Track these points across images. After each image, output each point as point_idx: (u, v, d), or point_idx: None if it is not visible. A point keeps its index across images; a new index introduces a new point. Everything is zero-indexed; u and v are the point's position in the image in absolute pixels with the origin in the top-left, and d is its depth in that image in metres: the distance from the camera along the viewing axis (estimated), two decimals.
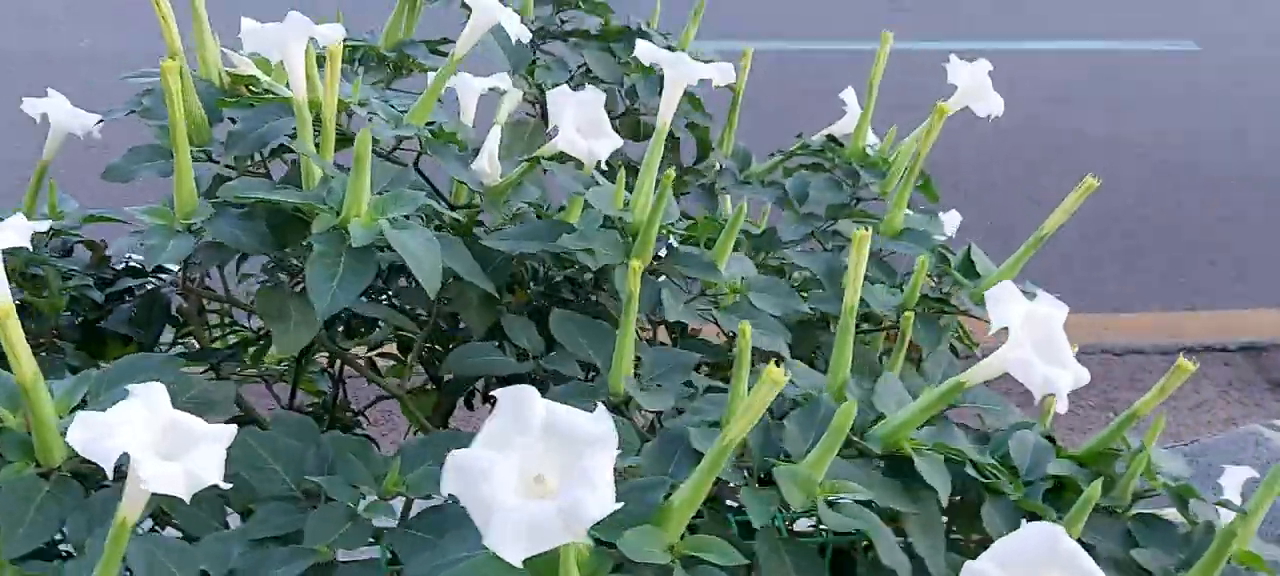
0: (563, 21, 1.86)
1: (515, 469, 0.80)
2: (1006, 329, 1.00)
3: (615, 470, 0.97)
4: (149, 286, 1.65)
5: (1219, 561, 1.07)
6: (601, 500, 0.78)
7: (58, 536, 1.04)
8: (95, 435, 0.85)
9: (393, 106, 1.44)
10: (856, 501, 1.02)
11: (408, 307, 1.56)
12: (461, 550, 0.95)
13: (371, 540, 1.08)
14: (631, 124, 1.86)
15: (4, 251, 1.07)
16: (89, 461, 0.85)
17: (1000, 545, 0.91)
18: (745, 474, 1.04)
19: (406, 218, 1.21)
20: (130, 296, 1.63)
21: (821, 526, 1.00)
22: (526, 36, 1.48)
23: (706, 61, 1.80)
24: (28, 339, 1.39)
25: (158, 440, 0.88)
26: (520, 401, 0.81)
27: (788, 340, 1.26)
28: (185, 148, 1.24)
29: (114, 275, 1.66)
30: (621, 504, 0.79)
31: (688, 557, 0.94)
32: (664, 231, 1.30)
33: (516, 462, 0.80)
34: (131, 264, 1.67)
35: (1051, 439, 1.27)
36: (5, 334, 0.96)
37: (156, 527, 1.15)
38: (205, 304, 1.67)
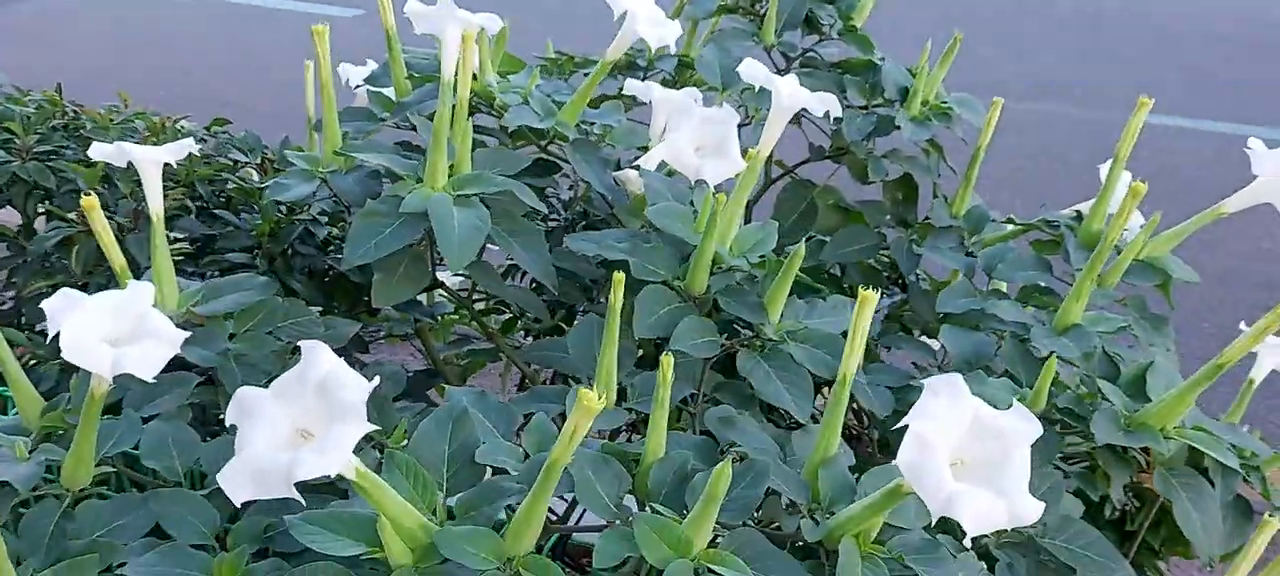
0: (806, 50, 1.79)
1: (288, 417, 0.83)
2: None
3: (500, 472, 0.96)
4: None
5: None
6: (321, 464, 0.78)
7: None
8: (63, 306, 1.01)
9: (554, 102, 1.49)
10: None
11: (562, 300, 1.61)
12: None
13: None
14: (859, 166, 1.74)
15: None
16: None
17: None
18: (630, 516, 0.95)
19: (475, 197, 1.26)
20: None
21: None
22: (673, 45, 1.46)
23: (945, 107, 1.66)
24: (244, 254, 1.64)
25: (121, 327, 1.03)
26: (311, 356, 0.84)
27: (811, 402, 1.13)
28: (333, 108, 1.41)
29: None
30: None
31: (517, 573, 0.89)
32: (720, 261, 1.21)
33: (291, 412, 0.83)
34: None
35: None
36: (92, 221, 1.17)
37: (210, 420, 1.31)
38: None
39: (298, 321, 1.35)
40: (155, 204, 1.32)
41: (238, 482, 0.79)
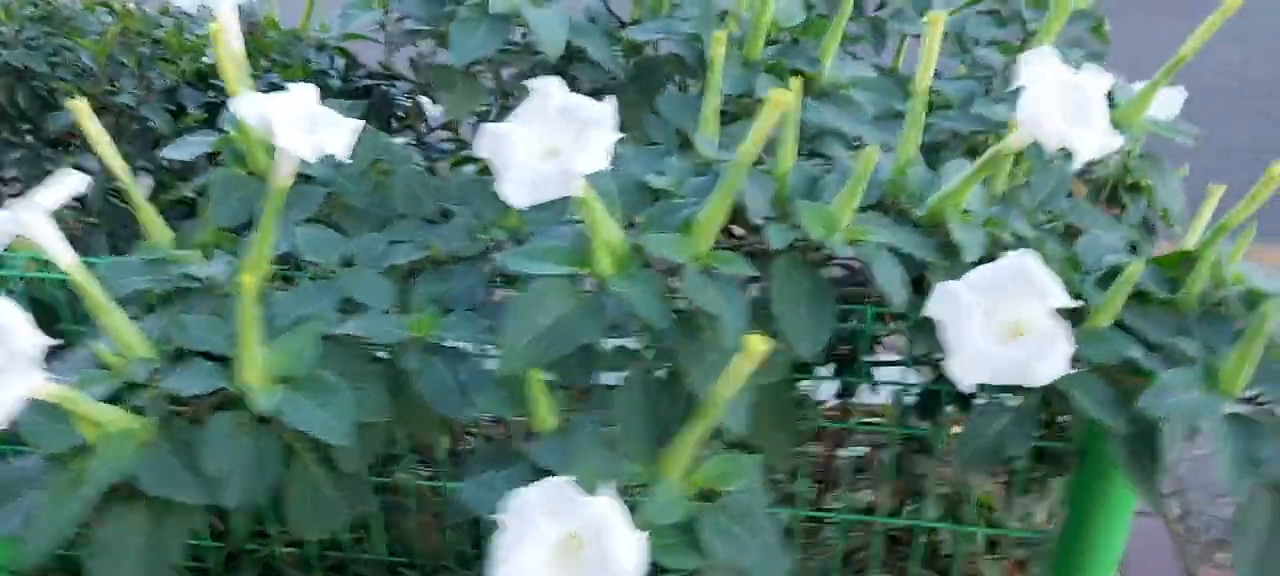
0: None
1: (535, 139, 0.99)
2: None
3: (661, 192, 1.14)
4: (383, 87, 1.97)
5: (1253, 344, 1.07)
6: (593, 161, 0.95)
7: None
8: (256, 108, 1.12)
9: None
10: (877, 244, 1.11)
11: None
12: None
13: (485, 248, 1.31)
14: None
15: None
16: None
17: (976, 271, 0.99)
18: (778, 213, 1.16)
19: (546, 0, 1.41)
20: (370, 94, 1.97)
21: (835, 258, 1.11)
22: None
23: None
24: None
25: (302, 120, 1.15)
26: (544, 89, 1.00)
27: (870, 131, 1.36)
28: None
29: (364, 76, 2.01)
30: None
31: (707, 265, 1.08)
32: (775, 30, 1.42)
33: (536, 135, 0.99)
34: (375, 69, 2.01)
35: (1134, 248, 1.29)
36: (218, 51, 1.26)
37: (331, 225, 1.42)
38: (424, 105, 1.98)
39: (382, 146, 1.48)
40: (232, 31, 1.40)
41: (517, 190, 0.95)
